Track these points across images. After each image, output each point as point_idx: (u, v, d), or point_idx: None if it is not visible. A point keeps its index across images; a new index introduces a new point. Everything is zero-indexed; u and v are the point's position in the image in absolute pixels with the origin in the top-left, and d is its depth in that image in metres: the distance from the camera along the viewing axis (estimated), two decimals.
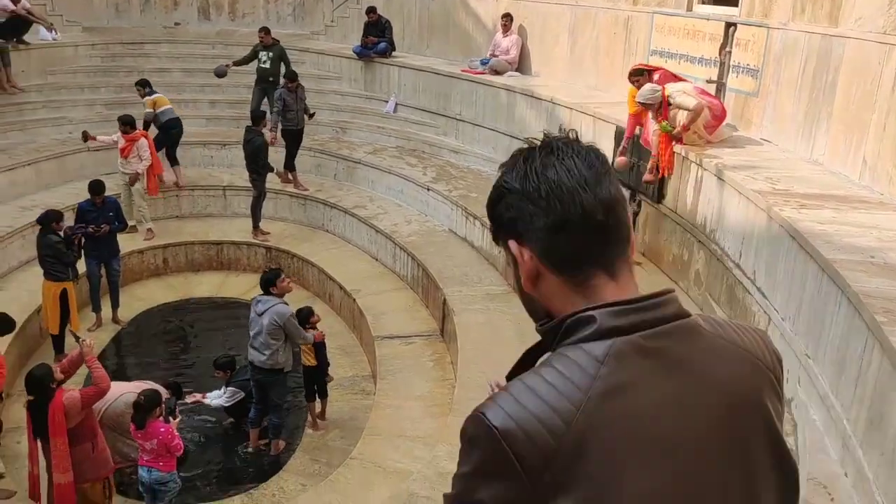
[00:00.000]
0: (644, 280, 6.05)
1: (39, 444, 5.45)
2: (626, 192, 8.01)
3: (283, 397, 7.16)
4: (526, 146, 1.30)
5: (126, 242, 9.98)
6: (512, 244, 1.26)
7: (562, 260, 1.23)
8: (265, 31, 12.43)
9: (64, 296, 8.19)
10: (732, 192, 6.35)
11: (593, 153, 1.27)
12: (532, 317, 1.32)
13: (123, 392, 6.18)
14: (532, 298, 1.29)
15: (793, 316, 5.12)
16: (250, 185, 10.77)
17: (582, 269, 1.22)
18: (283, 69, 12.02)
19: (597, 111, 9.16)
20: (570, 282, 1.23)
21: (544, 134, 1.31)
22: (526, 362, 1.33)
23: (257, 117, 10.63)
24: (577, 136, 1.31)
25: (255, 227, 11.00)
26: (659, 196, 7.78)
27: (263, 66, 12.28)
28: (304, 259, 10.61)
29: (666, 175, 7.58)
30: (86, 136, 10.77)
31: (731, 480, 1.18)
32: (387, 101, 13.32)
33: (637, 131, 8.06)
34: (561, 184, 1.21)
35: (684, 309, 1.22)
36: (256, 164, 10.41)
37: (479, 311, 8.01)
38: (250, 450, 7.25)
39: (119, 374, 8.51)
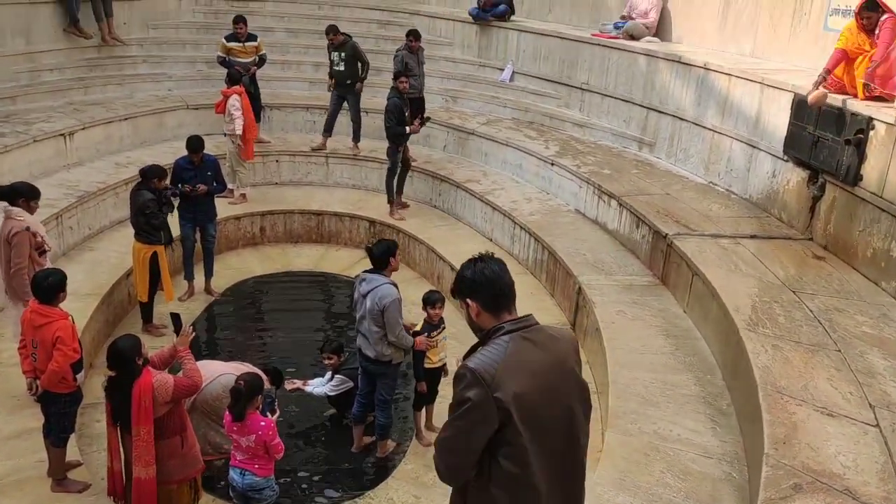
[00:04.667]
0: (834, 278, 4.45)
1: (118, 431, 4.56)
2: (803, 174, 6.70)
3: (391, 393, 6.10)
4: (473, 257, 2.84)
5: (223, 207, 9.20)
6: (468, 301, 2.76)
7: (489, 307, 2.73)
8: (332, 30, 10.78)
9: (154, 260, 7.40)
10: None
11: (501, 264, 2.80)
12: (475, 333, 2.81)
13: (221, 373, 5.27)
14: (475, 323, 2.78)
15: None
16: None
17: (498, 311, 2.73)
18: (360, 69, 10.77)
19: (766, 77, 7.76)
20: (492, 315, 2.73)
21: (479, 254, 2.85)
22: (471, 351, 2.72)
23: (397, 71, 9.64)
24: (493, 255, 2.84)
25: (390, 202, 10.03)
26: (855, 176, 6.38)
27: (338, 69, 10.73)
28: (412, 235, 9.60)
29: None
30: None
31: (563, 392, 2.72)
32: (502, 69, 12.19)
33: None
34: (490, 279, 2.73)
35: (536, 321, 2.77)
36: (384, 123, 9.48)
37: (621, 303, 6.80)
38: (353, 450, 6.27)
39: (210, 351, 7.71)
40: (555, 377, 2.67)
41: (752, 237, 7.11)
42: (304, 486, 5.93)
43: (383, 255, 5.71)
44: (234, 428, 4.61)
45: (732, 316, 5.55)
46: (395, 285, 5.76)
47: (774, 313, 5.58)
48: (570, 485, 2.80)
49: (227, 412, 4.64)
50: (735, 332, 5.39)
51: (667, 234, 7.12)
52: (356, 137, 11.02)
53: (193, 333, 4.84)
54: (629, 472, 4.56)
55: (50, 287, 4.78)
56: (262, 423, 4.59)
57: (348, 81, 10.73)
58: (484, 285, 2.71)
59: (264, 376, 5.25)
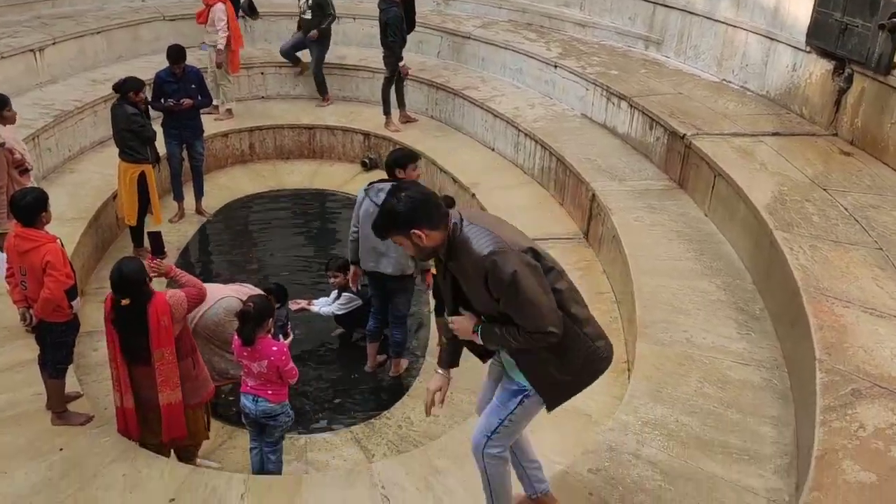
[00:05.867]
0: (865, 174, 4.39)
1: (125, 365, 4.21)
2: (828, 65, 6.28)
3: (408, 308, 5.83)
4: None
5: (208, 124, 8.67)
6: (416, 231, 2.79)
7: (434, 225, 2.82)
8: None
9: (142, 180, 6.96)
10: None
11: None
12: (425, 260, 3.40)
13: (222, 296, 4.94)
14: (426, 249, 2.87)
15: None
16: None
17: (440, 223, 2.83)
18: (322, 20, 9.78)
19: None
20: (439, 231, 2.84)
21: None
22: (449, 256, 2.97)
23: None
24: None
25: (386, 112, 9.50)
26: (888, 65, 5.97)
27: (305, 17, 9.88)
28: (409, 147, 9.13)
29: None
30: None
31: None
32: None
33: None
34: (421, 198, 2.80)
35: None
36: (386, 37, 8.89)
37: (637, 209, 6.47)
38: (367, 368, 6.03)
39: (206, 275, 7.37)
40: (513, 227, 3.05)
41: (774, 134, 6.75)
42: (313, 407, 5.71)
43: (394, 164, 5.31)
44: (245, 353, 4.31)
45: (763, 216, 5.24)
46: None
47: (807, 212, 5.28)
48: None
49: (237, 336, 4.33)
50: (767, 233, 5.10)
51: (685, 135, 6.74)
52: (322, 91, 10.21)
53: (165, 258, 4.49)
54: (665, 383, 4.33)
55: (28, 206, 4.35)
56: (275, 348, 4.29)
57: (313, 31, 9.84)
58: (421, 207, 2.77)
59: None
